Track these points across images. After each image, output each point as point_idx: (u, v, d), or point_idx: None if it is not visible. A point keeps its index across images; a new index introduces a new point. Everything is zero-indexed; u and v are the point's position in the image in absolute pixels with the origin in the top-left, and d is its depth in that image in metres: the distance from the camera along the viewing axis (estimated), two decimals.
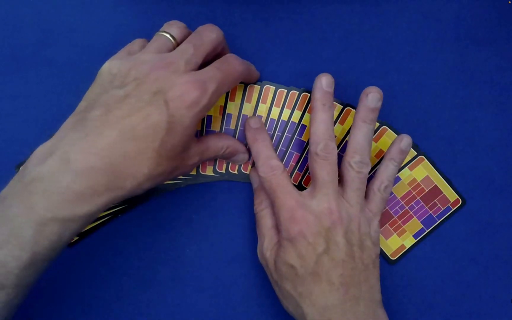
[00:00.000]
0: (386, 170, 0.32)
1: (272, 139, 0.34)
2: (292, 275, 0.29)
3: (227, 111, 0.35)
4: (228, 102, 0.35)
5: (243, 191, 0.35)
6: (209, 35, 0.29)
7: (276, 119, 0.35)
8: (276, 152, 0.34)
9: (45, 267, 0.24)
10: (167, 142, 0.25)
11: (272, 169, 0.31)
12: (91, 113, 0.25)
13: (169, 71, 0.26)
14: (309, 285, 0.28)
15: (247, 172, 0.35)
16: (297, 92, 0.34)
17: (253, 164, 0.35)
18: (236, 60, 0.29)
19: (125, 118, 0.24)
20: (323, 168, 0.29)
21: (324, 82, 0.31)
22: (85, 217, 0.24)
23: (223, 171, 0.35)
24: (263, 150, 0.32)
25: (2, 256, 0.22)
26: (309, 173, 0.33)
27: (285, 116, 0.34)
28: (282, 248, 0.29)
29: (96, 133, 0.24)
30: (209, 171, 0.35)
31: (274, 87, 0.35)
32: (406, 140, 0.32)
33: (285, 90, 0.35)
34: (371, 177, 0.32)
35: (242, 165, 0.35)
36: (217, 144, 0.31)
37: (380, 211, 0.31)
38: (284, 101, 0.35)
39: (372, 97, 0.30)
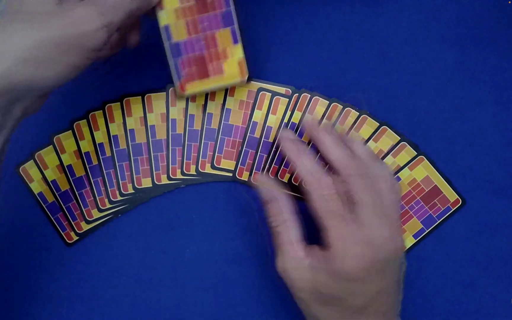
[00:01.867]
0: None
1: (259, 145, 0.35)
2: (336, 303, 0.27)
3: (207, 111, 0.35)
4: (209, 102, 0.34)
5: (243, 191, 0.35)
6: None
7: (258, 121, 0.35)
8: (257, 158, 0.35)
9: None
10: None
11: (323, 189, 0.28)
12: None
13: None
14: (355, 315, 0.27)
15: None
16: (297, 94, 0.34)
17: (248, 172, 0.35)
18: None
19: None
20: (362, 190, 0.27)
21: (289, 134, 0.33)
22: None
23: (223, 173, 0.35)
24: (313, 165, 0.29)
25: None
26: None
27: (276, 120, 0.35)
28: (330, 278, 0.27)
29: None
30: (207, 169, 0.35)
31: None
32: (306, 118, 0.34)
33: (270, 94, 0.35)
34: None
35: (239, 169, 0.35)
36: None
37: None
38: (269, 104, 0.35)
39: (309, 123, 0.32)
